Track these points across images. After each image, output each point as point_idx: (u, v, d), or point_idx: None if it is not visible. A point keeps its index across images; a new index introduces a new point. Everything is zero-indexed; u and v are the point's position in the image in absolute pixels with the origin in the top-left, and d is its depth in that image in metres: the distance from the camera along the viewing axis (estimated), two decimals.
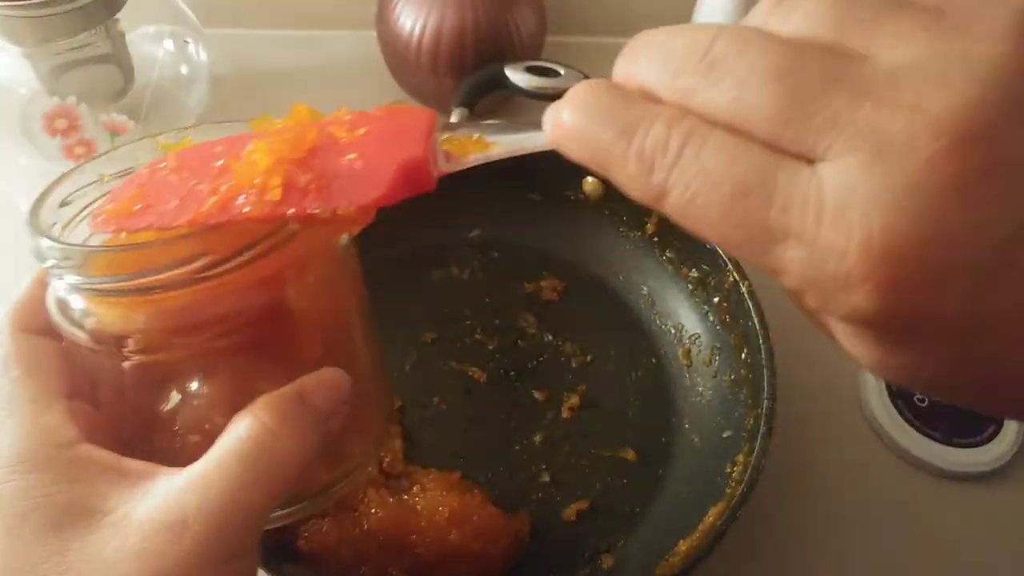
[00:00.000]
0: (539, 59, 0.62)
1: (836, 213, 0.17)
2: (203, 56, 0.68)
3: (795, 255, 0.18)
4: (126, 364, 0.28)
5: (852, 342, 0.20)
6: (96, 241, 0.30)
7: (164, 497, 0.25)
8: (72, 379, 0.29)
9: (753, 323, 0.49)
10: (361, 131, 0.26)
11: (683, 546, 0.44)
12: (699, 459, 0.50)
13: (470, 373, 0.54)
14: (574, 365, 0.55)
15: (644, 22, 0.84)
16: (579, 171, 0.57)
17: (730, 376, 0.51)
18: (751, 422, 0.47)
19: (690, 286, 0.55)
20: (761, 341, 0.48)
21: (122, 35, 0.64)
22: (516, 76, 0.60)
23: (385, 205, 0.24)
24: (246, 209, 0.25)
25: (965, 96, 0.17)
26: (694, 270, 0.54)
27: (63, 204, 0.30)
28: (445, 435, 0.52)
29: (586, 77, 0.60)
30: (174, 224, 0.26)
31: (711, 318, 0.54)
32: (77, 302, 0.27)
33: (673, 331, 0.56)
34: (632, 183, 0.20)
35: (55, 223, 0.29)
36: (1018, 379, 0.19)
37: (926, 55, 0.18)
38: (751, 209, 0.18)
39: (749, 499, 0.42)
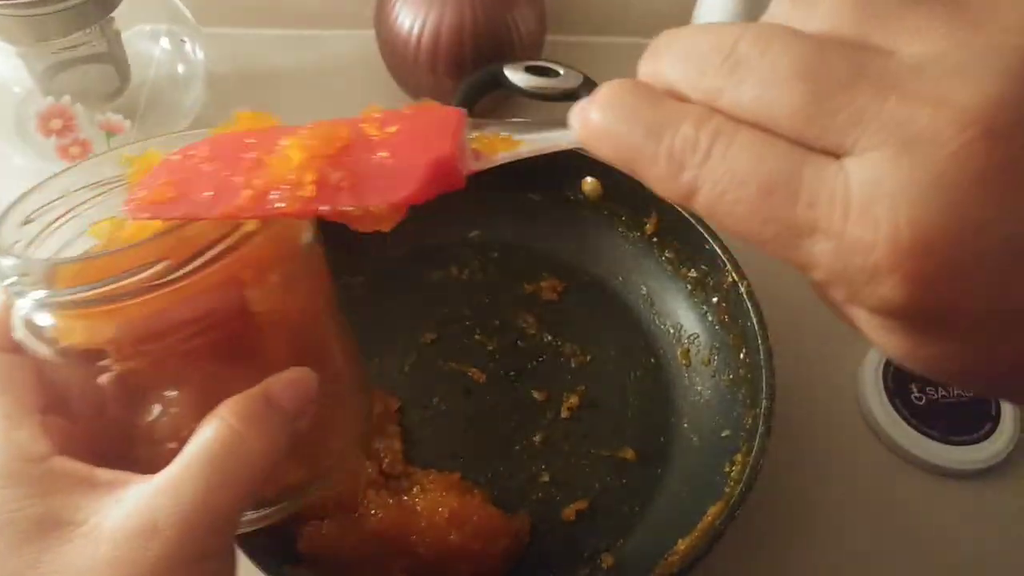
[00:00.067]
0: (538, 59, 0.62)
1: (863, 207, 0.18)
2: (200, 55, 0.67)
3: (823, 249, 0.18)
4: (95, 376, 0.28)
5: (880, 334, 0.20)
6: (71, 253, 0.30)
7: (134, 504, 0.25)
8: (46, 394, 0.29)
9: (752, 323, 0.49)
10: (392, 129, 0.26)
11: (682, 545, 0.45)
12: (698, 458, 0.50)
13: (470, 373, 0.54)
14: (573, 365, 0.55)
15: (643, 21, 0.84)
16: (578, 171, 0.57)
17: (729, 376, 0.51)
18: (750, 421, 0.47)
19: (689, 286, 0.55)
20: (759, 341, 0.48)
21: (117, 34, 0.63)
22: (515, 76, 0.60)
23: (416, 203, 0.24)
24: (280, 204, 0.25)
25: (989, 89, 0.17)
26: (693, 270, 0.55)
27: (26, 222, 0.30)
28: (445, 435, 0.52)
29: (585, 77, 0.60)
30: (208, 215, 0.26)
31: (710, 318, 0.54)
32: (42, 319, 0.27)
33: (672, 331, 0.56)
34: (661, 182, 0.20)
35: (17, 241, 0.29)
36: None
37: (950, 49, 0.18)
38: (778, 205, 0.19)
39: (748, 498, 0.43)
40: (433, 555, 0.44)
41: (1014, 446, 0.53)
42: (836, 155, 0.18)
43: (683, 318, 0.56)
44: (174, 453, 0.27)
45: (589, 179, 0.57)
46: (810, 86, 0.18)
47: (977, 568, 0.50)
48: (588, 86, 0.59)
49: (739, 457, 0.46)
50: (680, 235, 0.54)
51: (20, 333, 0.28)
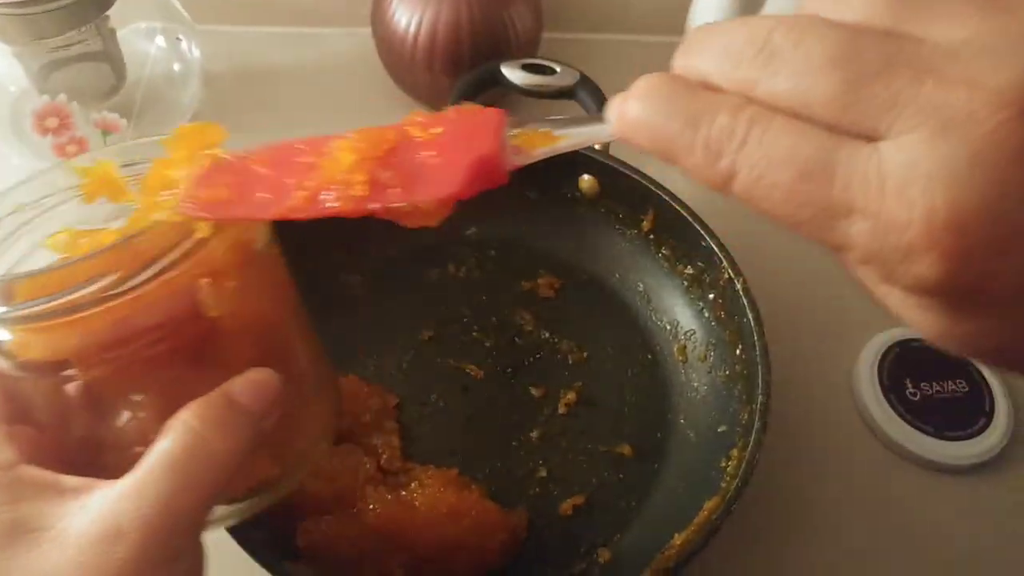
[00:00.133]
0: (535, 56, 0.62)
1: (899, 187, 0.18)
2: (196, 53, 0.67)
3: (859, 229, 0.19)
4: (59, 385, 0.29)
5: (915, 313, 0.21)
6: (29, 267, 0.30)
7: (99, 510, 0.26)
8: (11, 404, 0.30)
9: (748, 319, 0.49)
10: (436, 130, 0.27)
11: (678, 540, 0.45)
12: (694, 454, 0.51)
13: (468, 370, 0.54)
14: (571, 362, 0.55)
15: (640, 19, 0.84)
16: (576, 169, 0.57)
17: (725, 372, 0.52)
18: (745, 417, 0.47)
19: (685, 283, 0.55)
20: (756, 337, 0.48)
21: (113, 32, 0.63)
22: (512, 73, 0.60)
23: (462, 199, 0.26)
24: (332, 204, 0.26)
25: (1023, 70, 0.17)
26: (689, 267, 0.55)
27: None
28: (443, 432, 0.52)
29: (582, 74, 0.60)
30: (263, 216, 0.28)
31: (706, 314, 0.54)
32: (0, 334, 0.27)
33: (669, 327, 0.56)
34: (699, 170, 0.21)
35: None
36: None
37: (983, 34, 0.18)
38: (814, 188, 0.19)
39: (744, 493, 0.43)
40: (431, 550, 0.44)
41: (1008, 441, 0.54)
42: (871, 139, 0.19)
43: (680, 314, 0.56)
44: (141, 457, 0.27)
45: (586, 176, 0.57)
46: (844, 73, 0.19)
47: (971, 563, 0.50)
48: (584, 84, 0.60)
49: (735, 452, 0.47)
50: (677, 232, 0.54)
51: None
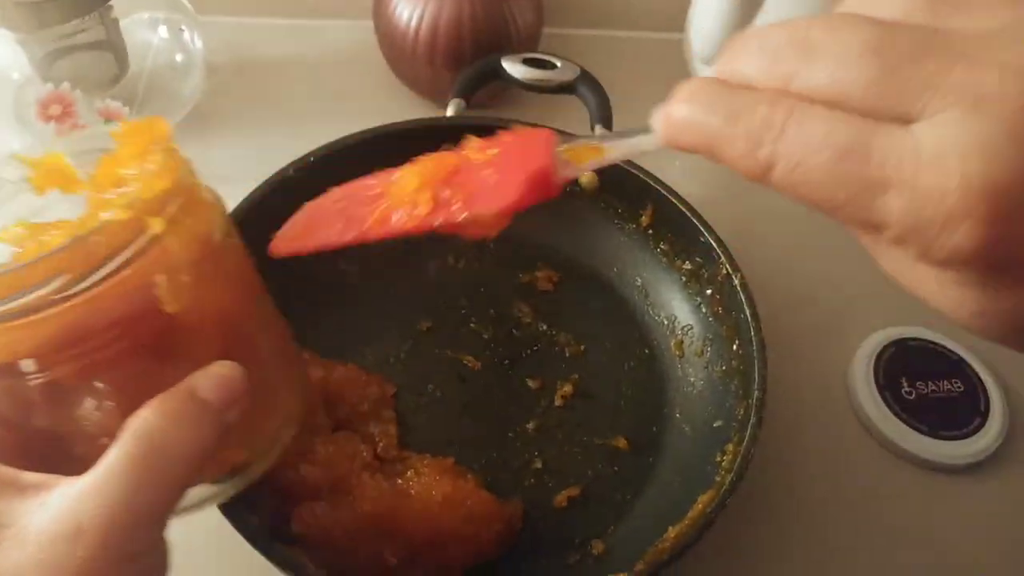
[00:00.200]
0: (536, 51, 0.62)
1: (934, 159, 0.19)
2: (198, 44, 0.68)
3: (896, 204, 0.20)
4: (20, 384, 0.28)
5: (952, 292, 0.21)
6: None
7: (59, 507, 0.26)
8: None
9: (745, 315, 0.49)
10: (493, 151, 0.29)
11: (672, 533, 0.45)
12: (690, 448, 0.51)
13: (465, 361, 0.55)
14: (568, 354, 0.55)
15: (640, 15, 0.85)
16: None
17: (721, 367, 0.52)
18: (741, 412, 0.47)
19: (683, 278, 0.56)
20: (752, 333, 0.48)
21: (116, 22, 0.64)
22: (513, 68, 0.60)
23: (519, 210, 0.28)
24: (401, 222, 0.29)
25: None
26: (687, 262, 0.55)
27: None
28: (439, 421, 0.52)
29: (582, 69, 0.60)
30: (340, 242, 0.30)
31: (704, 310, 0.54)
32: None
33: (666, 322, 0.56)
34: (740, 160, 0.22)
35: None
36: None
37: (1011, 21, 0.20)
38: (852, 167, 0.20)
39: (738, 488, 0.43)
40: (426, 538, 0.44)
41: (1003, 441, 0.54)
42: (906, 123, 0.20)
43: (677, 309, 0.56)
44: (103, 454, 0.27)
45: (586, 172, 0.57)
46: (880, 60, 0.20)
47: (965, 562, 0.51)
48: (585, 79, 0.60)
49: (730, 447, 0.47)
50: (675, 227, 0.55)
51: None
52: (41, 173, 0.32)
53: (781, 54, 0.21)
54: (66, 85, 0.61)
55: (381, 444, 0.49)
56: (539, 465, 0.51)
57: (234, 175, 0.64)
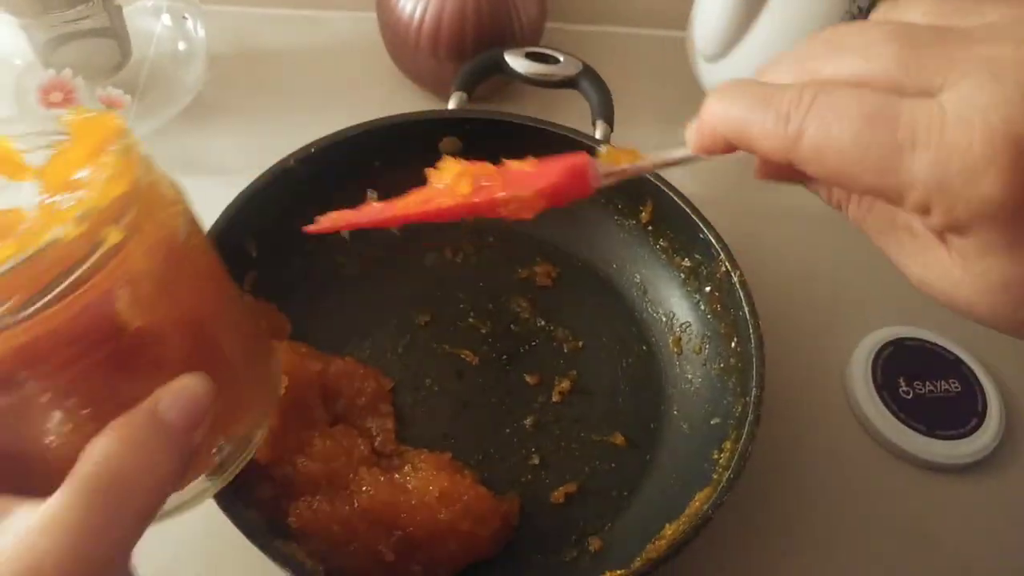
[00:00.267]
0: (539, 45, 0.62)
1: (958, 118, 0.20)
2: (201, 33, 0.67)
3: (922, 161, 0.21)
4: None
5: (977, 266, 0.22)
6: None
7: (18, 540, 0.24)
8: None
9: (743, 313, 0.49)
10: (531, 159, 0.32)
11: (669, 530, 0.45)
12: (687, 445, 0.51)
13: (463, 356, 0.55)
14: (566, 350, 0.55)
15: (642, 11, 0.84)
16: None
17: (719, 364, 0.52)
18: (739, 410, 0.47)
19: (682, 275, 0.56)
20: (751, 331, 0.48)
21: (119, 9, 0.63)
22: (515, 62, 0.60)
23: (555, 197, 0.30)
24: (441, 201, 0.31)
25: None
26: (687, 259, 0.55)
27: None
28: (437, 416, 0.52)
29: (585, 64, 0.60)
30: (380, 218, 0.32)
31: (702, 307, 0.54)
32: None
33: (664, 319, 0.56)
34: (770, 137, 0.23)
35: None
36: None
37: (1020, 14, 0.22)
38: (879, 130, 0.21)
39: (736, 485, 0.43)
40: (422, 533, 0.44)
41: (999, 442, 0.54)
42: (930, 95, 0.21)
43: (676, 306, 0.56)
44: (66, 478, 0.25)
45: None
46: (903, 43, 0.22)
47: (961, 562, 0.51)
48: (587, 74, 0.60)
49: (728, 444, 0.47)
50: (675, 224, 0.55)
51: None
52: None
53: (811, 53, 0.23)
54: (68, 72, 0.61)
55: (379, 439, 0.49)
56: (536, 461, 0.51)
57: (235, 165, 0.65)
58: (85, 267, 0.25)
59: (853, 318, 0.59)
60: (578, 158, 0.30)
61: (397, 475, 0.46)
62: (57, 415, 0.27)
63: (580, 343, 0.56)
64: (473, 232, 0.60)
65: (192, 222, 0.31)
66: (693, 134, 0.27)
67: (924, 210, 0.22)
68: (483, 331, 0.56)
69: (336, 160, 0.54)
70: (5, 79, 0.63)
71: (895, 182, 0.21)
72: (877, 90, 0.22)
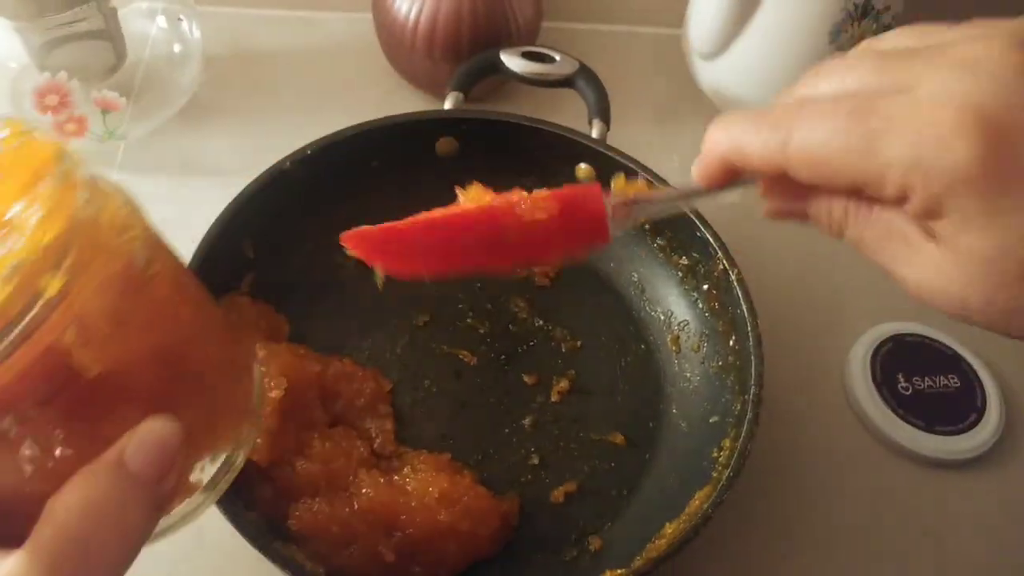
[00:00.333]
0: (535, 45, 0.62)
1: (931, 102, 0.23)
2: (196, 34, 0.67)
3: (897, 142, 0.23)
4: None
5: (962, 240, 0.23)
6: None
7: None
8: None
9: (742, 310, 0.49)
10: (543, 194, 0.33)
11: (669, 529, 0.45)
12: (686, 444, 0.51)
13: (461, 356, 0.55)
14: (564, 350, 0.55)
15: (640, 10, 0.84)
16: (573, 158, 0.57)
17: (718, 363, 0.52)
18: (738, 408, 0.47)
19: (680, 273, 0.56)
20: (749, 328, 0.48)
21: (114, 11, 0.63)
22: (512, 61, 0.60)
23: (568, 211, 0.32)
24: (464, 208, 0.33)
25: (1009, 25, 0.23)
26: (684, 258, 0.55)
27: None
28: (436, 417, 0.52)
29: (581, 64, 0.60)
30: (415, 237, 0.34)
31: (700, 305, 0.54)
32: None
33: (662, 318, 0.56)
34: (762, 148, 0.26)
35: None
36: None
37: (987, 26, 0.24)
38: (857, 123, 0.24)
39: (735, 484, 0.43)
40: (422, 534, 0.44)
41: (999, 437, 0.54)
42: (904, 92, 0.23)
43: (674, 305, 0.56)
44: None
45: (583, 166, 0.57)
46: (880, 60, 0.24)
47: (961, 558, 0.51)
48: (584, 73, 0.60)
49: (727, 443, 0.47)
50: (672, 223, 0.55)
51: None
52: None
53: (799, 84, 0.26)
54: (63, 74, 0.61)
55: (378, 440, 0.49)
56: (536, 461, 0.51)
57: (232, 166, 0.64)
58: (22, 325, 0.23)
59: (851, 314, 0.59)
60: (590, 185, 0.32)
61: (396, 476, 0.46)
62: (22, 461, 0.25)
63: (578, 343, 0.56)
64: None
65: (153, 245, 0.29)
66: (698, 165, 0.29)
67: (904, 193, 0.24)
68: (481, 331, 0.56)
69: (332, 161, 0.54)
70: (0, 83, 0.63)
71: (875, 166, 0.23)
72: (855, 95, 0.24)
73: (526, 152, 0.57)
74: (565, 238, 0.33)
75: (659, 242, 0.56)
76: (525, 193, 0.32)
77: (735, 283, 0.50)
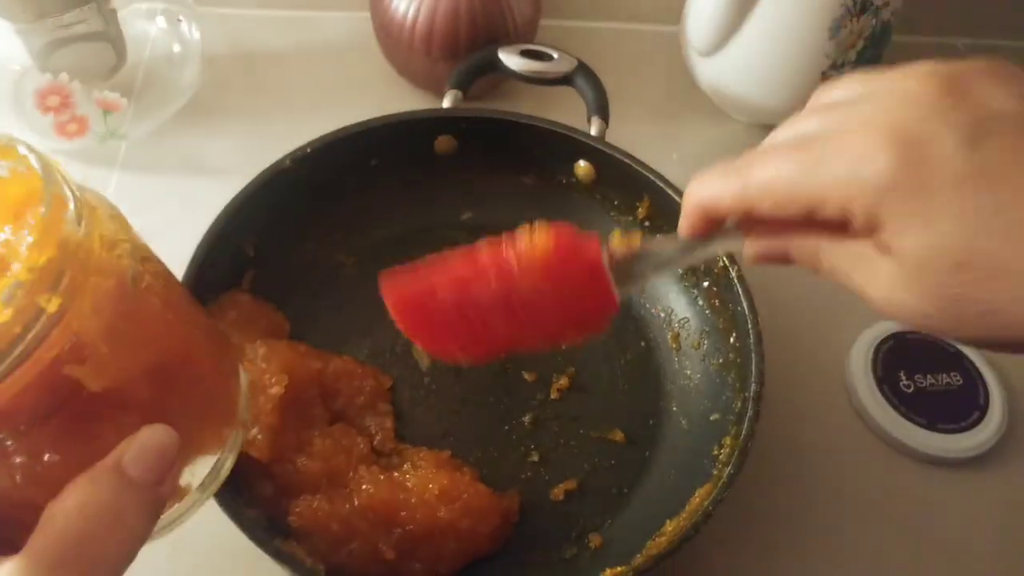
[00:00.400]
0: (533, 43, 0.62)
1: (859, 129, 0.26)
2: (196, 35, 0.67)
3: (832, 164, 0.26)
4: None
5: (904, 245, 0.26)
6: None
7: None
8: None
9: (742, 307, 0.49)
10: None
11: (670, 526, 0.45)
12: (687, 441, 0.51)
13: None
14: (564, 347, 0.55)
15: (638, 7, 0.84)
16: (572, 155, 0.57)
17: (718, 360, 0.52)
18: (739, 405, 0.47)
19: (679, 270, 0.55)
20: (750, 325, 0.48)
21: (114, 12, 0.64)
22: (510, 59, 0.60)
23: (561, 250, 0.33)
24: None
25: (927, 68, 0.27)
26: None
27: None
28: (436, 414, 0.52)
29: (579, 61, 0.60)
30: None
31: (700, 302, 0.54)
32: None
33: (662, 315, 0.56)
34: (729, 189, 0.29)
35: None
36: None
37: (905, 71, 0.28)
38: (800, 153, 0.27)
39: (736, 481, 0.43)
40: (422, 531, 0.44)
41: (1002, 436, 0.54)
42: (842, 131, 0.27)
43: (674, 302, 0.56)
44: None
45: (582, 163, 0.57)
46: (822, 110, 0.29)
47: (963, 557, 0.51)
48: (582, 71, 0.60)
49: (728, 440, 0.47)
50: (672, 220, 0.54)
51: None
52: None
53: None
54: (64, 76, 0.61)
55: (378, 437, 0.49)
56: (536, 458, 0.51)
57: (232, 165, 0.65)
58: (22, 346, 0.24)
59: (853, 311, 0.59)
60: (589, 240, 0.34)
61: (396, 473, 0.46)
62: (19, 471, 0.26)
63: None
64: (470, 230, 0.60)
65: (142, 257, 0.29)
66: (682, 221, 0.32)
67: (846, 210, 0.26)
68: None
69: (332, 160, 0.54)
70: (2, 84, 0.63)
71: (816, 189, 0.27)
72: (804, 135, 0.28)
73: (525, 150, 0.57)
74: (567, 291, 0.34)
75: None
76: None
77: (735, 280, 0.50)
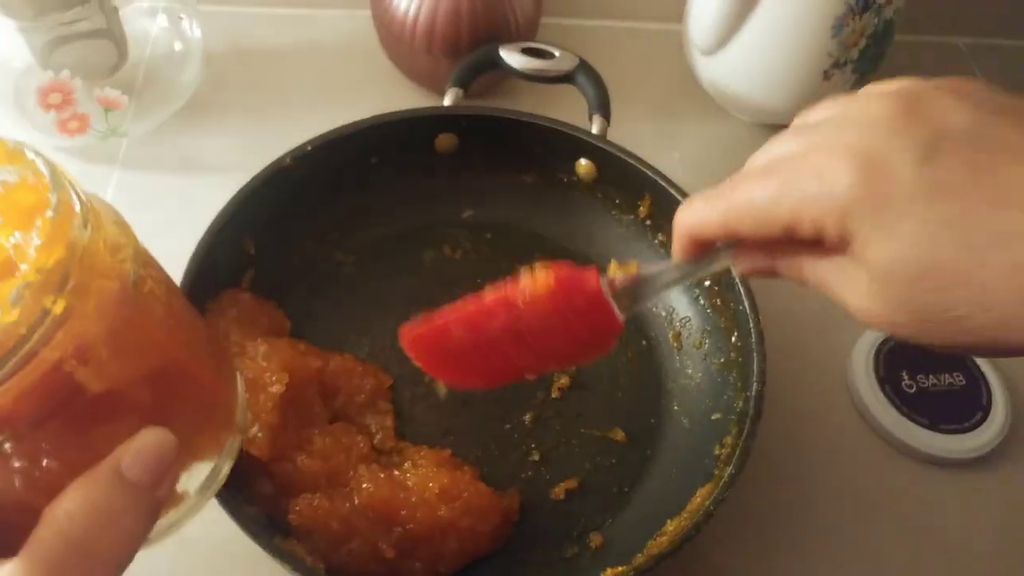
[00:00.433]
0: (534, 41, 0.62)
1: (825, 150, 0.28)
2: (197, 33, 0.67)
3: (802, 184, 0.28)
4: None
5: (872, 254, 0.27)
6: None
7: None
8: None
9: (743, 307, 0.49)
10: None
11: (671, 526, 0.45)
12: (688, 441, 0.51)
13: None
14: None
15: (639, 5, 0.84)
16: (573, 153, 0.57)
17: (720, 359, 0.52)
18: (740, 405, 0.47)
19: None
20: (751, 325, 0.48)
21: (115, 10, 0.63)
22: (511, 57, 0.60)
23: (561, 284, 0.36)
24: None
25: (892, 87, 0.29)
26: None
27: None
28: (436, 413, 0.52)
29: (581, 59, 0.60)
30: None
31: (702, 301, 0.54)
32: None
33: (664, 314, 0.56)
34: (713, 213, 0.31)
35: None
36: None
37: (868, 93, 0.30)
38: (774, 176, 0.29)
39: (737, 481, 0.43)
40: (423, 530, 0.44)
41: (1005, 436, 0.54)
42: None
43: (675, 301, 0.56)
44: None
45: (584, 161, 0.57)
46: (800, 131, 0.30)
47: (964, 557, 0.50)
48: (583, 69, 0.59)
49: (729, 440, 0.46)
50: (672, 219, 0.54)
51: None
52: None
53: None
54: (66, 73, 0.61)
55: (378, 436, 0.49)
56: (536, 457, 0.51)
57: (232, 163, 0.65)
58: (28, 346, 0.24)
59: None
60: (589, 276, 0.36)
61: (397, 472, 0.46)
62: (19, 473, 0.26)
63: None
64: (471, 228, 0.60)
65: (143, 262, 0.30)
66: (674, 246, 0.34)
67: (818, 226, 0.28)
68: None
69: (333, 157, 0.54)
70: (4, 82, 0.63)
71: (789, 208, 0.28)
72: (779, 158, 0.30)
73: (526, 148, 0.57)
74: (573, 320, 0.36)
75: (660, 238, 0.56)
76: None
77: (737, 279, 0.49)
